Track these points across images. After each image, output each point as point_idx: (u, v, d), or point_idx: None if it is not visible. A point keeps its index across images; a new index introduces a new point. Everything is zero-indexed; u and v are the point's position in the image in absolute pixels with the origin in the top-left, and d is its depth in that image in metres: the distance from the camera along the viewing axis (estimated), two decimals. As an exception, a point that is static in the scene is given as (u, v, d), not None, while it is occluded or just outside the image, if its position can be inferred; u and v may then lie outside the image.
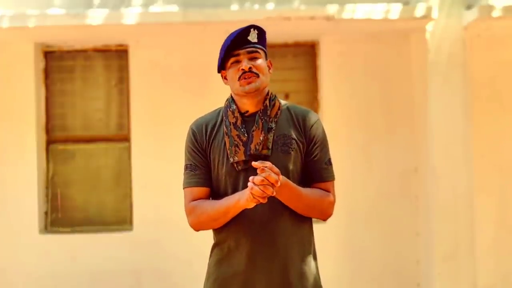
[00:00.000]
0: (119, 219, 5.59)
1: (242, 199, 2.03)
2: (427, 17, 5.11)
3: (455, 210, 5.18)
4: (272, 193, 1.95)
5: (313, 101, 5.57)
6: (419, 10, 5.10)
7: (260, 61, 2.20)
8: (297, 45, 5.68)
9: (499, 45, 5.32)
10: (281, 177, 2.01)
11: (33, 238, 5.40)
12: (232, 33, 2.19)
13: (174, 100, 5.50)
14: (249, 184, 1.96)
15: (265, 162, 1.98)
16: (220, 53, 2.21)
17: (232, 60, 2.20)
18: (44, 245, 5.41)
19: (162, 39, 5.54)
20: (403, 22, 5.21)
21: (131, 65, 5.55)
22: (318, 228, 5.41)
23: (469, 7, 5.17)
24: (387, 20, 5.13)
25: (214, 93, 5.43)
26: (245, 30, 2.18)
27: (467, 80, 5.21)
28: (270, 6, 5.27)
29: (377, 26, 5.34)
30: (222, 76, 2.28)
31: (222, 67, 2.26)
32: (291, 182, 2.10)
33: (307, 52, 5.69)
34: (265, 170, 1.95)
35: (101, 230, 5.50)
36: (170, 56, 5.55)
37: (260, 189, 1.94)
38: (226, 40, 2.20)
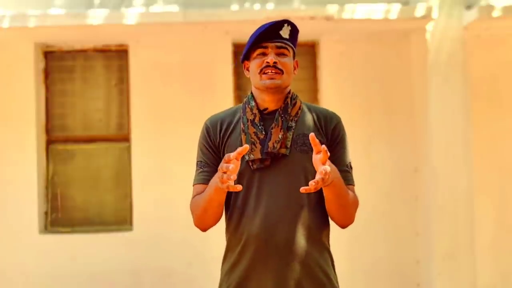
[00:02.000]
0: (119, 219, 5.59)
1: (218, 181, 1.89)
2: (427, 17, 5.11)
3: (455, 210, 5.18)
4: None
5: (313, 101, 5.57)
6: (419, 10, 5.10)
7: (287, 59, 2.12)
8: (297, 45, 5.67)
9: (499, 45, 5.33)
10: (332, 173, 1.88)
11: (33, 238, 5.39)
12: (263, 25, 2.11)
13: (174, 100, 5.50)
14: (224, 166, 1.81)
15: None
16: (248, 43, 2.12)
17: (258, 51, 2.10)
18: (44, 245, 5.41)
19: (162, 39, 5.54)
20: (403, 22, 5.21)
21: (131, 65, 5.54)
22: (318, 228, 5.39)
23: (469, 7, 5.17)
24: (387, 20, 5.13)
25: (215, 93, 5.45)
26: (278, 24, 2.09)
27: (467, 80, 5.22)
28: (270, 6, 5.27)
29: (377, 26, 5.34)
30: (244, 67, 2.20)
31: (246, 57, 2.17)
32: (339, 180, 2.00)
33: (307, 52, 5.69)
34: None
35: (101, 230, 5.50)
36: (170, 56, 5.55)
37: (225, 177, 1.81)
38: (256, 31, 2.11)
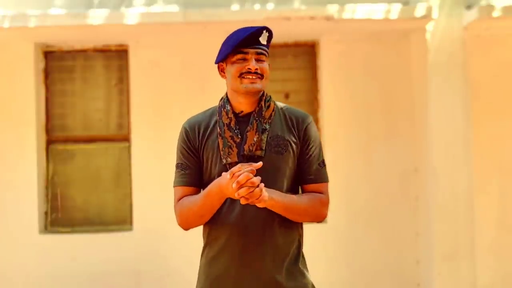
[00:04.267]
0: (119, 219, 5.59)
1: (225, 190, 2.01)
2: (427, 17, 5.11)
3: (455, 210, 5.18)
4: (260, 200, 1.95)
5: (313, 101, 5.57)
6: (419, 10, 5.10)
7: (265, 64, 2.18)
8: (297, 45, 5.68)
9: (499, 45, 5.32)
10: (267, 195, 1.99)
11: (33, 238, 5.40)
12: (243, 30, 2.16)
13: (174, 100, 5.50)
14: (234, 185, 1.94)
15: (243, 165, 1.97)
16: (227, 47, 2.17)
17: (238, 56, 2.16)
18: (44, 245, 5.41)
19: (162, 39, 5.54)
20: (403, 22, 5.21)
21: (131, 65, 5.55)
22: (318, 229, 5.39)
23: (469, 7, 5.17)
24: (387, 20, 5.13)
25: (214, 93, 5.43)
26: (259, 31, 2.16)
27: (467, 80, 5.21)
28: (270, 6, 5.27)
29: (377, 26, 5.34)
30: (219, 68, 2.25)
31: (222, 59, 2.21)
32: (281, 197, 2.09)
33: (307, 52, 5.69)
34: (246, 173, 1.93)
35: (101, 230, 5.50)
36: (170, 56, 5.55)
37: (245, 189, 1.93)
38: (235, 35, 2.16)
